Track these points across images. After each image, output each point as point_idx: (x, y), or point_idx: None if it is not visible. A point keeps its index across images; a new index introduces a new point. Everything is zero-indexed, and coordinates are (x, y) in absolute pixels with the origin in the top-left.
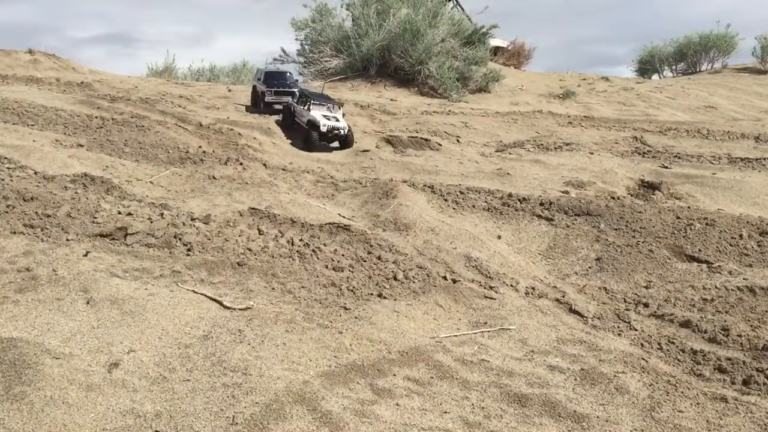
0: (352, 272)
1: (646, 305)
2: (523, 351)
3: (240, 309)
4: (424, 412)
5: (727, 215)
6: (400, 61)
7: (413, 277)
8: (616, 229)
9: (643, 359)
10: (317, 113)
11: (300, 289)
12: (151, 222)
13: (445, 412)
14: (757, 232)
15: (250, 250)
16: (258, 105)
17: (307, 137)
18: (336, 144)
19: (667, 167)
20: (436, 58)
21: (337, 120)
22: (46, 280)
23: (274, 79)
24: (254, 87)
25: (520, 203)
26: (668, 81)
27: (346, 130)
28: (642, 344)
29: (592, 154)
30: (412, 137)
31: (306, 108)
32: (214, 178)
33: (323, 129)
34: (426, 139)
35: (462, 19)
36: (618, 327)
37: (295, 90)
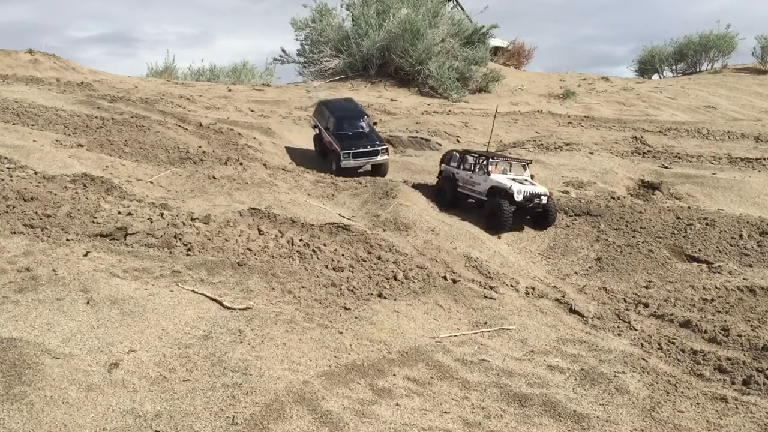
0: (352, 272)
1: (646, 305)
2: (523, 351)
3: (240, 309)
4: (424, 412)
5: (727, 215)
6: (400, 61)
7: (413, 277)
8: (616, 229)
9: (643, 359)
10: (502, 176)
11: (300, 289)
12: (151, 222)
13: (445, 412)
14: (757, 232)
15: (250, 250)
16: (323, 155)
17: (497, 212)
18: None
19: (667, 167)
20: (436, 58)
21: (531, 183)
22: (46, 280)
23: (347, 127)
24: (318, 132)
25: None
26: (668, 81)
27: (548, 197)
28: (642, 344)
29: (592, 154)
30: (412, 137)
31: (479, 171)
32: (214, 178)
33: (518, 197)
34: (426, 139)
35: (462, 19)
36: (618, 327)
37: (378, 146)
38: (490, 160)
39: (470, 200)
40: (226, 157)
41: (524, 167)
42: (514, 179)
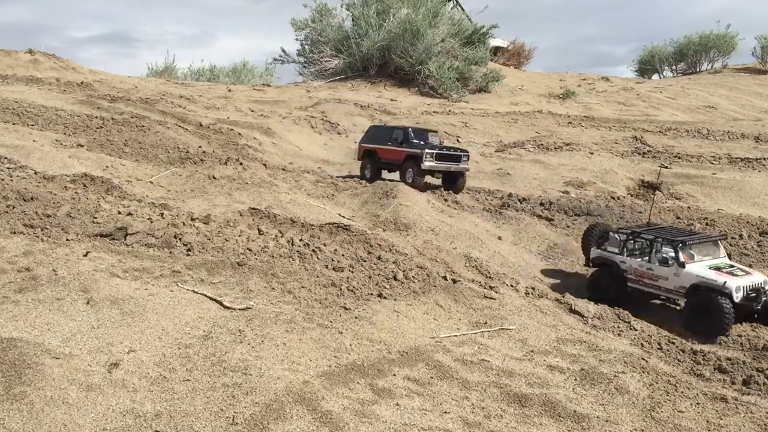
0: (352, 272)
1: None
2: (523, 351)
3: (240, 309)
4: (424, 412)
5: (727, 215)
6: (400, 61)
7: (413, 277)
8: None
9: (643, 359)
10: (702, 267)
11: (300, 289)
12: (151, 222)
13: (445, 412)
14: (757, 232)
15: (250, 250)
16: (373, 173)
17: (714, 313)
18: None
19: (667, 167)
20: (436, 58)
21: (743, 270)
22: (46, 280)
23: (418, 136)
24: (369, 151)
25: (520, 203)
26: (668, 81)
27: (767, 285)
28: (642, 344)
29: (592, 154)
30: None
31: (661, 258)
32: (214, 178)
33: (737, 297)
34: None
35: (462, 19)
36: (618, 327)
37: (461, 154)
38: (681, 246)
39: (647, 293)
40: (226, 157)
41: (716, 244)
42: (718, 268)
